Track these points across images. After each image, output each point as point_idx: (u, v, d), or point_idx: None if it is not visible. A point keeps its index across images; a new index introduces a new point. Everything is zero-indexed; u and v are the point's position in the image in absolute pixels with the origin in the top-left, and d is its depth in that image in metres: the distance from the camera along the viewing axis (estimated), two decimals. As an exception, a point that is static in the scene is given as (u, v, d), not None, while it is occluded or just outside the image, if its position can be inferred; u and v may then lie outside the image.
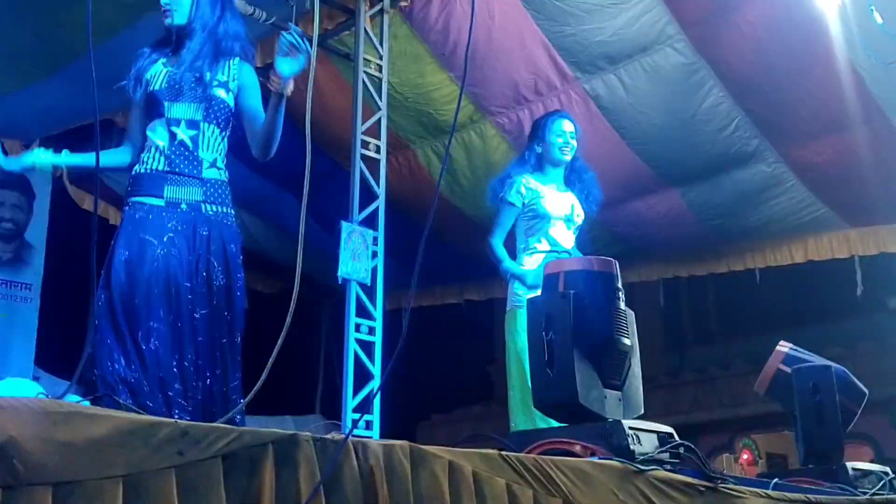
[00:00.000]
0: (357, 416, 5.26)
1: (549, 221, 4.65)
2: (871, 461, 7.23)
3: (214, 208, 3.43)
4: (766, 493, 3.30)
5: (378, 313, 5.75)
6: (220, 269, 3.37)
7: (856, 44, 5.51)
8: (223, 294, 3.36)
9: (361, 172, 5.86)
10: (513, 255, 4.76)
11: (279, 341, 2.38)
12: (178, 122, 3.41)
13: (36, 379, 6.28)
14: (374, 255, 5.76)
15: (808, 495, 3.48)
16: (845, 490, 3.81)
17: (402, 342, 2.84)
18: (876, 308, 10.53)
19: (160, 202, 3.32)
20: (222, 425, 2.12)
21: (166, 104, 3.42)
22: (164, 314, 3.15)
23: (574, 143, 4.78)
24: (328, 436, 2.26)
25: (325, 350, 10.49)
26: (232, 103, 3.54)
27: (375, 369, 5.63)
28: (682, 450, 3.24)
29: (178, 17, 3.54)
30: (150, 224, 3.26)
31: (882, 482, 3.99)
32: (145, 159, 3.41)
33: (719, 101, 6.41)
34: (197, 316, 3.23)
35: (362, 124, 5.91)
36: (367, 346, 5.67)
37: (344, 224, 5.61)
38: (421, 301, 9.88)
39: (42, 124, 7.94)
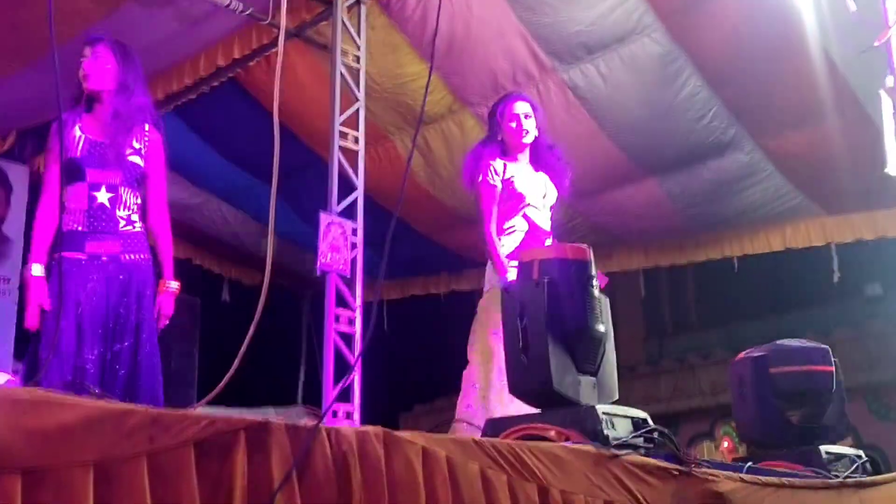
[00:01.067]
0: (336, 406, 5.27)
1: (524, 202, 4.66)
2: (851, 447, 7.29)
3: (130, 256, 3.94)
4: (739, 477, 3.33)
5: (357, 304, 5.75)
6: (135, 309, 3.89)
7: (830, 32, 5.55)
8: (136, 329, 3.89)
9: (340, 163, 5.85)
10: None
11: (249, 332, 2.39)
12: (97, 187, 3.90)
13: (15, 373, 6.25)
14: (354, 246, 5.76)
15: (781, 479, 3.52)
16: (819, 473, 3.85)
17: (371, 331, 2.87)
18: (853, 295, 10.61)
19: (83, 256, 3.83)
20: (194, 412, 2.13)
21: (87, 170, 3.90)
22: (89, 351, 3.71)
23: (530, 123, 4.77)
24: (300, 422, 2.27)
25: (307, 341, 10.49)
26: (143, 164, 4.07)
27: (355, 360, 5.64)
28: (656, 434, 3.26)
29: (97, 83, 4.01)
30: (75, 275, 3.77)
31: (854, 465, 4.03)
32: (68, 220, 3.87)
33: (696, 90, 6.44)
34: (117, 349, 3.79)
35: (340, 115, 5.89)
36: (347, 338, 5.67)
37: (322, 215, 5.60)
38: (402, 292, 9.90)
39: (17, 117, 7.90)
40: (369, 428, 2.43)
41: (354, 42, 6.08)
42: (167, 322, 4.13)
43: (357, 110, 6.04)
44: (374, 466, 2.36)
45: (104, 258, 3.84)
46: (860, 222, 7.44)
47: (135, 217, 3.99)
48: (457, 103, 6.96)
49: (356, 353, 5.64)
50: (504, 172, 4.66)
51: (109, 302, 3.80)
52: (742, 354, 4.33)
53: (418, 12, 6.18)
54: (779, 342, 4.28)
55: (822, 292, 9.71)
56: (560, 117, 6.64)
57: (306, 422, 2.31)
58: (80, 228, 3.85)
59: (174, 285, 4.18)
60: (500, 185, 4.65)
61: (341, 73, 5.95)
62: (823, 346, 4.24)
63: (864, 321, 10.81)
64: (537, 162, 4.84)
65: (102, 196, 3.88)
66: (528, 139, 4.78)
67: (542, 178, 4.80)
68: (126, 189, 3.97)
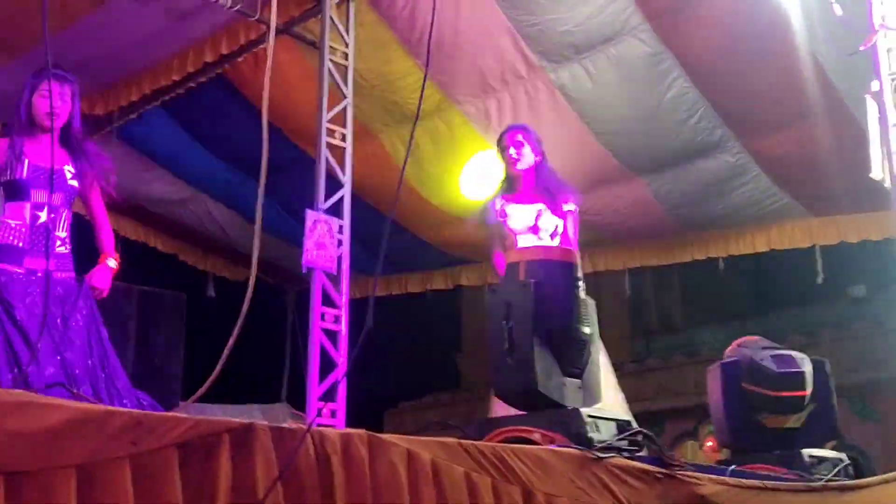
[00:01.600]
0: (321, 404, 5.25)
1: (517, 236, 4.67)
2: (834, 448, 7.32)
3: (63, 274, 4.11)
4: (722, 480, 3.34)
5: (343, 302, 5.73)
6: (78, 317, 4.04)
7: (817, 35, 5.56)
8: (86, 336, 4.02)
9: (327, 160, 5.82)
10: None
11: (235, 330, 2.38)
12: (40, 207, 4.09)
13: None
14: (340, 243, 5.74)
15: (764, 482, 3.53)
16: (802, 476, 3.87)
17: (365, 333, 2.86)
18: (837, 296, 10.68)
19: (20, 270, 3.97)
20: (177, 415, 2.12)
21: (31, 191, 4.09)
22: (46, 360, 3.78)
23: (516, 151, 4.78)
24: (285, 425, 2.27)
25: (292, 338, 10.46)
26: (78, 184, 4.30)
27: (340, 358, 5.62)
28: (640, 437, 3.27)
29: (59, 122, 4.27)
30: (12, 287, 3.89)
31: (837, 468, 4.05)
32: (9, 235, 4.04)
33: (684, 91, 6.44)
34: (68, 355, 3.86)
35: (328, 112, 5.87)
36: (332, 335, 5.65)
37: (309, 212, 5.57)
38: (387, 289, 9.88)
39: (3, 109, 7.84)
40: (354, 430, 2.42)
41: (343, 39, 6.06)
42: (101, 295, 4.26)
43: (345, 108, 6.02)
44: (358, 469, 2.36)
45: (39, 274, 3.98)
46: (845, 224, 7.46)
47: (67, 239, 4.23)
48: (445, 101, 6.95)
49: (342, 352, 5.63)
50: (500, 212, 4.75)
51: (50, 313, 3.88)
52: (716, 363, 4.35)
53: (407, 10, 6.16)
54: (754, 348, 4.28)
55: (807, 293, 9.78)
56: (547, 117, 6.64)
57: (290, 424, 2.30)
58: (20, 244, 4.02)
59: (113, 262, 4.39)
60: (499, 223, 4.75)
61: (329, 70, 5.93)
62: (800, 364, 4.21)
63: (848, 322, 10.87)
64: (537, 188, 4.81)
65: (44, 216, 4.07)
66: (516, 168, 4.78)
67: (537, 206, 4.76)
68: (65, 211, 4.21)
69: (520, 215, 4.73)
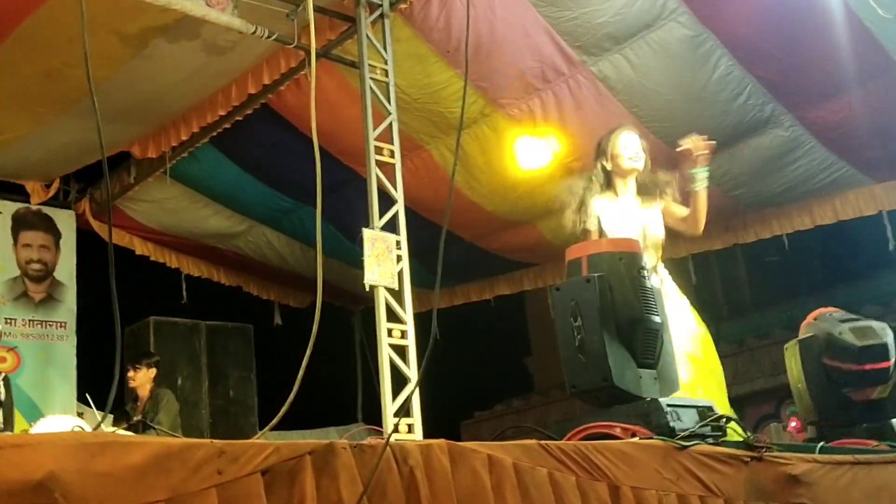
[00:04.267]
0: (397, 419, 5.26)
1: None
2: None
3: None
4: (813, 458, 3.27)
5: (408, 316, 5.74)
6: None
7: (861, -1, 5.44)
8: None
9: (378, 178, 5.85)
10: None
11: (306, 355, 2.39)
12: None
13: (80, 415, 6.35)
14: (399, 258, 5.76)
15: (856, 456, 3.45)
16: (894, 447, 3.77)
17: (431, 342, 2.85)
18: (910, 262, 10.40)
19: None
20: (259, 441, 2.13)
21: None
22: None
23: (639, 152, 4.73)
24: (365, 441, 2.27)
25: (361, 358, 10.53)
26: None
27: (411, 372, 5.63)
28: (723, 422, 3.22)
29: None
30: None
31: (930, 435, 3.94)
32: None
33: (729, 70, 6.34)
34: None
35: (374, 130, 5.90)
36: (400, 350, 5.66)
37: (365, 231, 5.60)
38: (451, 300, 9.89)
39: (59, 163, 8.04)
40: (433, 441, 2.41)
41: (381, 56, 6.09)
42: None
43: (390, 124, 6.05)
44: (441, 479, 2.35)
45: None
46: (911, 186, 7.28)
47: None
48: (489, 107, 6.94)
49: (412, 366, 5.64)
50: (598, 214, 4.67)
51: None
52: (793, 340, 4.24)
53: (442, 20, 6.18)
54: (831, 321, 4.16)
55: (878, 262, 9.52)
56: (593, 110, 6.60)
57: (370, 440, 2.30)
58: None
59: None
60: (597, 230, 4.65)
61: (371, 88, 5.96)
62: (881, 334, 4.07)
63: (923, 287, 10.60)
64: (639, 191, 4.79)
65: None
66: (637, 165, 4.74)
67: (644, 215, 4.72)
68: None
69: (624, 223, 4.60)
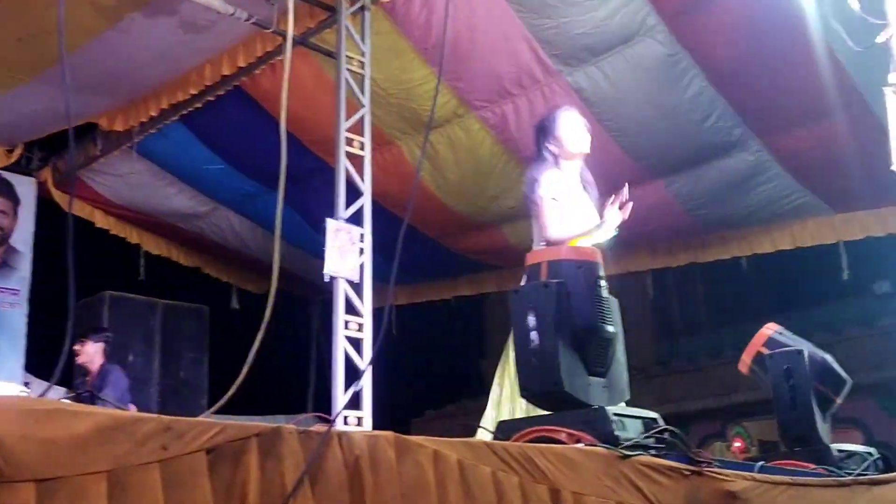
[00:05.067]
0: (346, 412, 5.26)
1: (573, 219, 4.38)
2: (863, 444, 7.27)
3: None
4: (751, 476, 3.33)
5: (366, 310, 5.75)
6: None
7: (833, 29, 5.53)
8: None
9: (346, 169, 5.85)
10: None
11: (257, 340, 2.40)
12: None
13: (26, 384, 6.27)
14: (361, 251, 5.76)
15: (793, 477, 3.51)
16: (831, 471, 3.84)
17: (381, 337, 2.88)
18: (862, 293, 10.58)
19: None
20: (206, 420, 2.14)
21: None
22: None
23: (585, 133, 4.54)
24: (312, 428, 2.28)
25: (317, 348, 10.50)
26: None
27: (365, 365, 5.64)
28: (667, 435, 3.26)
29: None
30: None
31: (866, 463, 4.02)
32: None
33: (701, 90, 6.42)
34: None
35: (346, 121, 5.90)
36: (356, 343, 5.67)
37: (329, 221, 5.60)
38: (411, 298, 9.90)
39: (24, 129, 7.94)
40: (380, 432, 2.43)
41: (359, 48, 6.09)
42: None
43: (363, 116, 6.05)
44: (386, 470, 2.36)
45: None
46: (868, 219, 7.41)
47: None
48: (462, 107, 6.96)
49: (366, 359, 5.64)
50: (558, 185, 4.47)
51: None
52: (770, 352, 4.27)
53: (423, 17, 6.19)
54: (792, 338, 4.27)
55: (831, 291, 9.69)
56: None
57: (318, 427, 2.31)
58: None
59: None
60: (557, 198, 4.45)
61: (346, 80, 5.96)
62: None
63: (873, 319, 10.78)
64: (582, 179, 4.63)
65: None
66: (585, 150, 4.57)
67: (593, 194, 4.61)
68: None
69: (572, 199, 4.46)
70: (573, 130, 4.52)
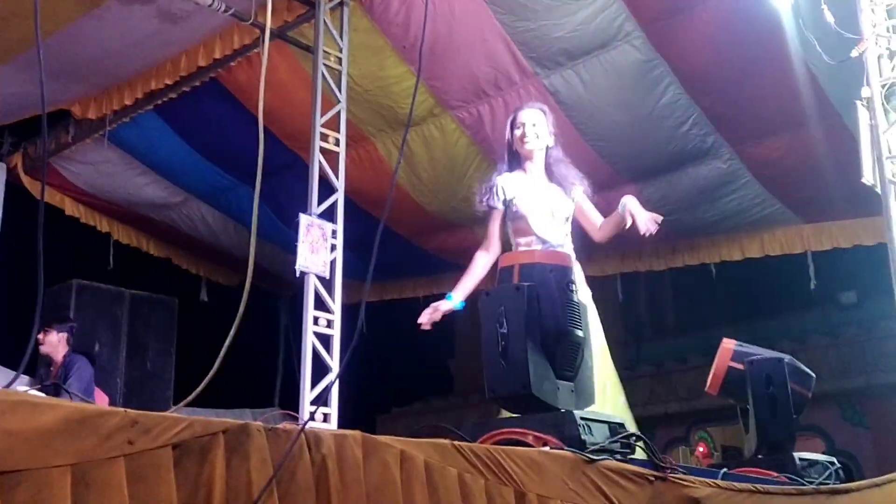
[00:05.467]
0: (314, 407, 5.26)
1: (532, 218, 4.39)
2: (823, 453, 7.35)
3: None
4: (714, 483, 3.35)
5: (336, 306, 5.75)
6: None
7: (809, 42, 5.59)
8: None
9: (320, 165, 5.85)
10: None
11: (230, 335, 2.38)
12: None
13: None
14: (333, 248, 5.75)
15: (756, 485, 3.54)
16: (793, 480, 3.88)
17: (357, 335, 2.87)
18: (828, 302, 10.71)
19: None
20: (173, 415, 2.12)
21: None
22: None
23: (535, 131, 4.45)
24: (280, 426, 2.27)
25: (285, 343, 10.47)
26: None
27: (333, 362, 5.64)
28: (632, 440, 3.28)
29: None
30: None
31: (828, 472, 4.06)
32: None
33: (676, 97, 6.48)
34: None
35: (321, 117, 5.90)
36: (325, 339, 5.67)
37: (302, 216, 5.60)
38: (381, 295, 9.89)
39: (-2, 113, 7.85)
40: (348, 432, 2.42)
41: (336, 44, 6.09)
42: None
43: (338, 112, 6.04)
44: (352, 470, 2.36)
45: None
46: (836, 230, 7.50)
47: None
48: (438, 107, 6.97)
49: (335, 356, 5.63)
50: (508, 191, 4.42)
51: None
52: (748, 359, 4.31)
53: (401, 15, 6.19)
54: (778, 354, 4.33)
55: (798, 300, 9.80)
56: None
57: (285, 425, 2.30)
58: None
59: None
60: (502, 206, 4.43)
61: (323, 75, 5.95)
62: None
63: (838, 328, 10.91)
64: (549, 172, 4.54)
65: None
66: (530, 147, 4.47)
67: (554, 189, 4.51)
68: None
69: (534, 196, 4.43)
70: (520, 127, 4.47)
